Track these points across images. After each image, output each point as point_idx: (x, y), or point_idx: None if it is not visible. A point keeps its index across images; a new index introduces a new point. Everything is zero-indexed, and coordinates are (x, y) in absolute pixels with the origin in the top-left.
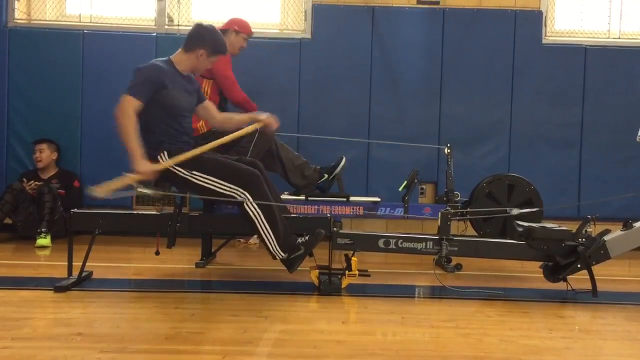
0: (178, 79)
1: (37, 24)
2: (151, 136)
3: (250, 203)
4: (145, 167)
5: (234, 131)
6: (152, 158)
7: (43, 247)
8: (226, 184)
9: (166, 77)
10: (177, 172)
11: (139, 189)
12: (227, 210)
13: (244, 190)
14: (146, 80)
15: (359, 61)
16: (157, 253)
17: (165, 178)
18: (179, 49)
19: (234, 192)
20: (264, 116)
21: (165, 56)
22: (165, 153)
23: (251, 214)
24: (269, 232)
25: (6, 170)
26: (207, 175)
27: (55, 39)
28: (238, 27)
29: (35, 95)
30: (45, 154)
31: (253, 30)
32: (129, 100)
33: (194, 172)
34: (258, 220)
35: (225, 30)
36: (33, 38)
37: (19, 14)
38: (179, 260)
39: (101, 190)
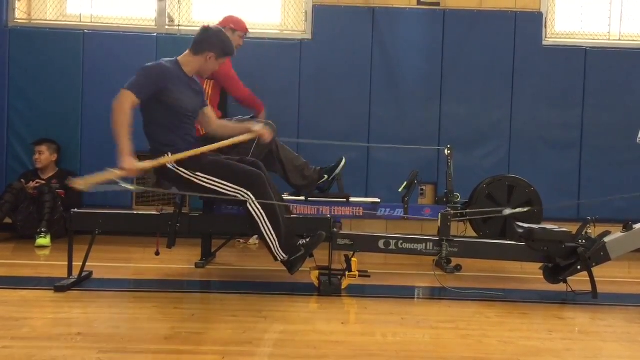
0: (183, 80)
1: (38, 24)
2: (157, 136)
3: (254, 203)
4: (130, 164)
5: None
6: (157, 157)
7: (43, 247)
8: (230, 184)
9: (171, 77)
10: (180, 173)
11: (122, 184)
12: (227, 211)
13: (248, 190)
14: (148, 78)
15: (360, 62)
16: (157, 253)
17: (167, 179)
18: (187, 51)
19: (237, 192)
20: (258, 127)
21: (168, 56)
22: (170, 154)
23: (254, 214)
24: (271, 233)
25: (6, 170)
26: (211, 176)
27: (56, 38)
28: (234, 25)
29: (35, 95)
30: (45, 156)
31: (254, 30)
32: (127, 95)
33: (197, 174)
34: (261, 221)
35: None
36: (33, 38)
37: (20, 13)
38: (179, 261)
39: (82, 183)
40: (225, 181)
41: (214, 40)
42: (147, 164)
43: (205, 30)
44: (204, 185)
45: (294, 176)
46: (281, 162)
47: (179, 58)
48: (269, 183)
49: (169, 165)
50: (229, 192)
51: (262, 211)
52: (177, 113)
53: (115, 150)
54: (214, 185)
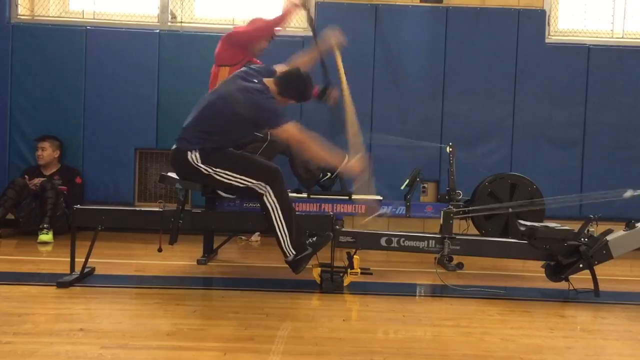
0: None
1: (40, 20)
2: (213, 140)
3: (270, 197)
4: (356, 164)
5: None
6: (184, 151)
7: (45, 243)
8: (249, 179)
9: None
10: (201, 169)
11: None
12: (229, 208)
13: (266, 184)
14: (277, 107)
15: (362, 59)
16: (160, 250)
17: (189, 176)
18: (274, 83)
19: (255, 186)
20: (332, 39)
21: (170, 52)
22: (197, 153)
23: (270, 208)
24: (284, 229)
25: (9, 166)
26: (230, 172)
27: (58, 35)
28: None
29: (38, 91)
30: (47, 152)
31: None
32: (292, 126)
33: (217, 170)
34: (275, 215)
35: None
36: (36, 34)
37: (22, 10)
38: (181, 257)
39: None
40: (244, 176)
41: (301, 91)
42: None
43: (298, 78)
44: (224, 181)
45: (299, 167)
46: (290, 151)
47: (269, 87)
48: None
49: (191, 161)
50: (248, 185)
51: (277, 205)
52: (247, 138)
53: (116, 146)
54: (234, 181)
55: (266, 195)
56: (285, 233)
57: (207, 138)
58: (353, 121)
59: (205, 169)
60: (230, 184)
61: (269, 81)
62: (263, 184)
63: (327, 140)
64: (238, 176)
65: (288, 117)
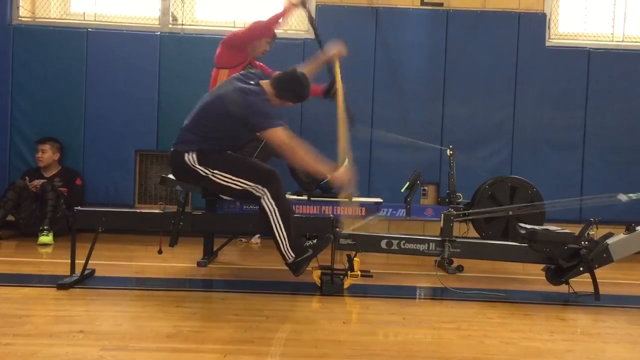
0: None
1: (42, 22)
2: (210, 141)
3: (268, 199)
4: (344, 174)
5: None
6: (181, 152)
7: (45, 244)
8: (246, 181)
9: None
10: (198, 171)
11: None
12: (230, 210)
13: (264, 187)
14: (270, 109)
15: (362, 62)
16: (160, 252)
17: (187, 178)
18: (270, 85)
19: (253, 189)
20: (333, 50)
21: (170, 55)
22: (194, 155)
23: (268, 210)
24: (282, 231)
25: (9, 168)
26: (228, 174)
27: (60, 37)
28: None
29: (38, 93)
30: (47, 155)
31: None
32: (281, 131)
33: (215, 172)
34: (273, 218)
35: None
36: (37, 36)
37: (24, 12)
38: (181, 259)
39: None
40: (242, 178)
41: (298, 92)
42: (342, 167)
43: (294, 79)
44: (221, 183)
45: (299, 171)
46: None
47: (265, 88)
48: None
49: (188, 163)
50: (246, 188)
51: (275, 208)
52: (245, 140)
53: (117, 148)
54: (231, 183)
55: (264, 198)
56: (284, 236)
57: (204, 140)
58: (344, 133)
59: (203, 171)
60: (228, 186)
61: (265, 83)
62: (260, 187)
63: (315, 149)
64: (235, 178)
65: (281, 122)
